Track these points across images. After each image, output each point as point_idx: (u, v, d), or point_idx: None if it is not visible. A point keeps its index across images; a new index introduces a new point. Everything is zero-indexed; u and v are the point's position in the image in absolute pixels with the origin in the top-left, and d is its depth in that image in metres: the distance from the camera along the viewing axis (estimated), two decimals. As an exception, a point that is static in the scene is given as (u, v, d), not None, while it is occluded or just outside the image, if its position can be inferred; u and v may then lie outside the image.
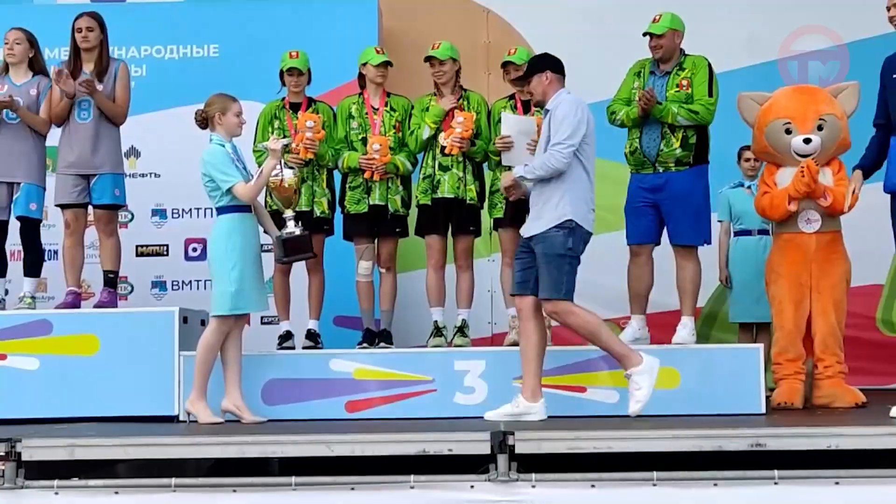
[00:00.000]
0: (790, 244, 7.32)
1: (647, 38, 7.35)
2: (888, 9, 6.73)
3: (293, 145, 7.41)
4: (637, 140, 7.34)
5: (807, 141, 7.26)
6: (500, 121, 7.50)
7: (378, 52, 7.65)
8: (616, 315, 8.70)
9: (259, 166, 7.53)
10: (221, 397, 6.78)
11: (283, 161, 6.93)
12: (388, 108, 7.60)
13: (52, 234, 8.21)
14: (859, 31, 9.09)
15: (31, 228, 7.55)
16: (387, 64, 7.58)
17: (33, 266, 7.58)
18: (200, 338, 6.79)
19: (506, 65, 7.57)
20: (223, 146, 6.79)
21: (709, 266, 8.16)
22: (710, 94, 7.27)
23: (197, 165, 8.74)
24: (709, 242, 7.51)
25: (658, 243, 7.43)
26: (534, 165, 6.57)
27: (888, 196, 6.83)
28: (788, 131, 7.29)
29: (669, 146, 7.25)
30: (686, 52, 7.40)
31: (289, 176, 6.89)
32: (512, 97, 7.63)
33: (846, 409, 7.04)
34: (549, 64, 6.68)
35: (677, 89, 7.29)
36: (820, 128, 7.30)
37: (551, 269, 6.44)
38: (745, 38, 9.14)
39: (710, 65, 7.35)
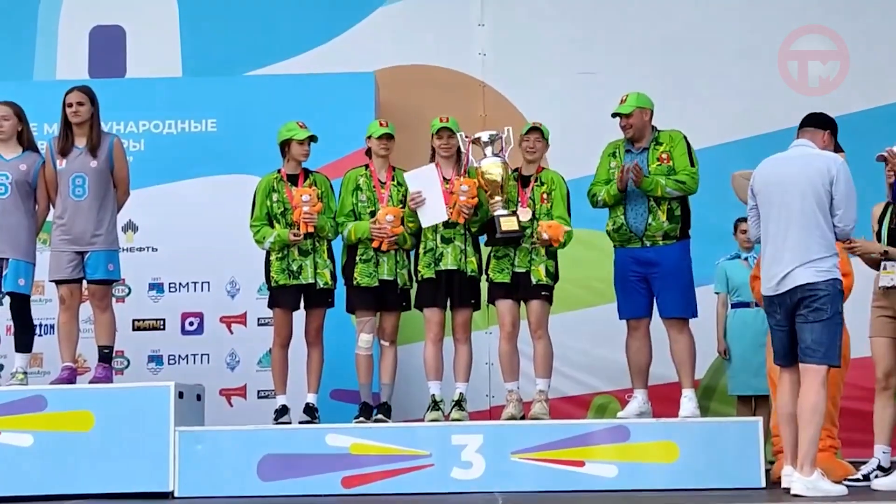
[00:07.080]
0: (789, 317, 7.27)
1: (617, 118, 7.39)
2: None
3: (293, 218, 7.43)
4: (622, 216, 7.33)
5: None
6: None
7: (382, 124, 7.65)
8: (614, 388, 8.67)
9: (258, 242, 7.53)
10: None
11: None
12: (394, 183, 7.59)
13: (48, 308, 8.20)
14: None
15: (20, 304, 7.50)
16: (387, 136, 7.58)
17: (24, 341, 7.52)
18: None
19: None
20: None
21: (707, 338, 8.14)
22: (692, 165, 7.30)
23: (194, 239, 8.76)
24: (696, 315, 7.47)
25: (651, 317, 7.38)
26: None
27: None
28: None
29: (657, 220, 7.26)
30: (658, 128, 7.42)
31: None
32: (516, 170, 7.61)
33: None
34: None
35: (658, 163, 7.32)
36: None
37: None
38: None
39: (685, 137, 7.38)
